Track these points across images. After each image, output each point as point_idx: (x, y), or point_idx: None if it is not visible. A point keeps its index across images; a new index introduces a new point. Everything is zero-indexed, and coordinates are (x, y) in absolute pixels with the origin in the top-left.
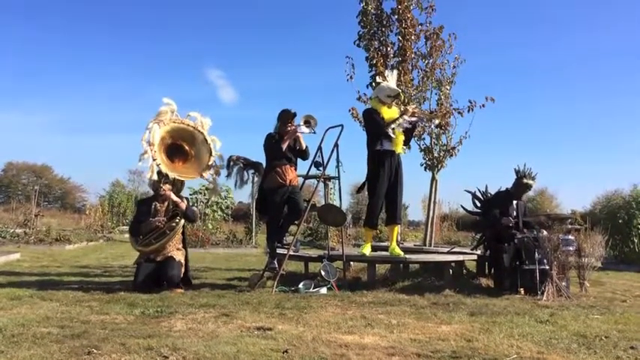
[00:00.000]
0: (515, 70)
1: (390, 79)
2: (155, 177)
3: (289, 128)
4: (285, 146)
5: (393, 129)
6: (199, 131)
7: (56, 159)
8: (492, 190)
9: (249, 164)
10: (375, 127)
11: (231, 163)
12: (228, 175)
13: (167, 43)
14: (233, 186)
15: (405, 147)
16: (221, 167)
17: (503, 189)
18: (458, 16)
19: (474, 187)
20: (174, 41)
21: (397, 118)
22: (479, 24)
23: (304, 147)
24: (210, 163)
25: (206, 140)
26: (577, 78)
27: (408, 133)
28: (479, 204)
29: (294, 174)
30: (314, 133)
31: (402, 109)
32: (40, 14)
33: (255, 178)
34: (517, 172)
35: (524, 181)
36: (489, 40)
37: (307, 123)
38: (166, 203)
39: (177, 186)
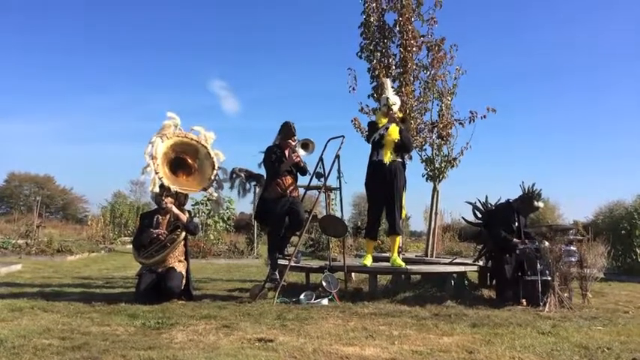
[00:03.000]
0: (516, 80)
1: (387, 89)
2: (157, 190)
3: (291, 144)
4: (284, 168)
5: (374, 137)
6: (203, 145)
7: (58, 170)
8: (492, 200)
9: (251, 176)
10: (367, 138)
11: (234, 175)
12: (232, 187)
13: (170, 54)
14: (236, 195)
15: (405, 155)
16: (224, 181)
17: (503, 200)
18: (458, 26)
19: (475, 198)
20: (177, 52)
21: (380, 127)
22: (478, 32)
23: (302, 164)
24: (213, 177)
25: (209, 154)
26: (578, 86)
27: (400, 142)
28: (480, 215)
29: (295, 184)
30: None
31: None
32: (42, 23)
33: (257, 189)
34: (525, 190)
35: (536, 204)
36: (489, 47)
37: (305, 146)
38: (168, 216)
39: (181, 199)
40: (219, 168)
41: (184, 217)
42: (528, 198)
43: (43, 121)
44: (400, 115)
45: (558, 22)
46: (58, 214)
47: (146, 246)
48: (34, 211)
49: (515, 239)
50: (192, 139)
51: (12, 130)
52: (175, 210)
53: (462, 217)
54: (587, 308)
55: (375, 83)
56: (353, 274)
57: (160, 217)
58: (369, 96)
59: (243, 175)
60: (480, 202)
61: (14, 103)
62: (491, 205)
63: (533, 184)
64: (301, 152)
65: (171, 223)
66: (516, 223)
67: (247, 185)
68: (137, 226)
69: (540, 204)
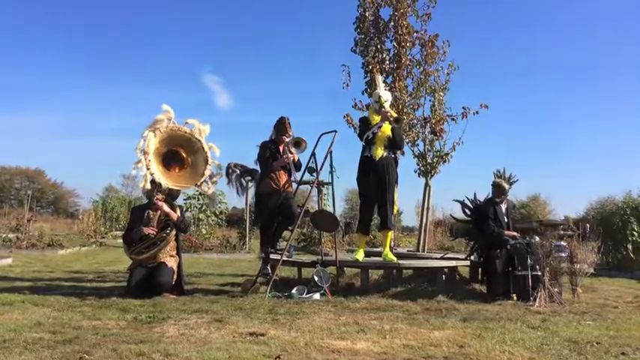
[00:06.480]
0: (508, 76)
1: (379, 85)
2: (148, 186)
3: (286, 140)
4: (277, 165)
5: (367, 136)
6: (197, 138)
7: (49, 163)
8: (481, 197)
9: (245, 171)
10: (359, 134)
11: (230, 171)
12: (229, 182)
13: (162, 48)
14: (235, 193)
15: (398, 152)
16: (220, 176)
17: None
18: (452, 22)
19: (463, 196)
20: (170, 46)
21: (373, 126)
22: (473, 29)
23: (296, 159)
24: (205, 172)
25: (203, 148)
26: (571, 83)
27: (392, 138)
28: (469, 212)
29: (289, 180)
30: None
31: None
32: (40, 22)
33: (251, 184)
34: (495, 176)
35: (496, 181)
36: (484, 45)
37: (297, 144)
38: (159, 212)
39: (173, 193)
40: (212, 162)
41: (175, 216)
42: (494, 182)
43: (35, 115)
44: (394, 114)
45: (556, 19)
46: (48, 208)
47: (136, 242)
48: (25, 205)
49: (506, 232)
50: (185, 132)
51: (3, 124)
52: (166, 208)
53: (451, 215)
54: (577, 303)
55: (368, 78)
56: (345, 268)
57: (151, 213)
58: (362, 92)
59: (238, 170)
60: (468, 199)
61: (7, 97)
62: (479, 201)
63: (503, 169)
64: (293, 151)
65: (161, 220)
66: (505, 218)
67: (243, 182)
68: (128, 220)
69: (504, 184)
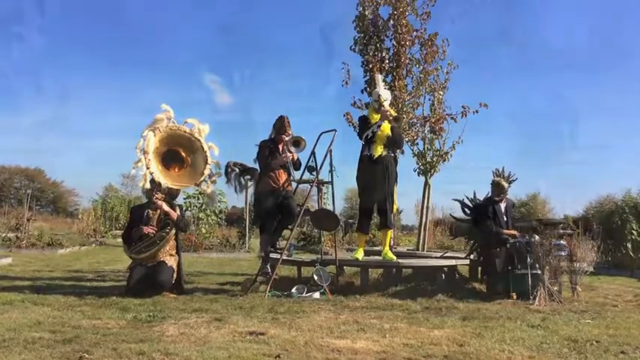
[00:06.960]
0: (509, 76)
1: (378, 84)
2: (148, 186)
3: (285, 139)
4: (276, 164)
5: (367, 135)
6: (196, 138)
7: (49, 163)
8: (480, 197)
9: (245, 170)
10: (359, 133)
11: (229, 170)
12: (228, 182)
13: (162, 48)
14: (234, 192)
15: (397, 150)
16: (218, 175)
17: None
18: (451, 21)
19: (462, 195)
20: (170, 46)
21: (373, 124)
22: (473, 28)
23: (295, 158)
24: (205, 171)
25: (202, 148)
26: (568, 81)
27: (391, 138)
28: (468, 211)
29: (289, 179)
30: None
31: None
32: (41, 22)
33: (250, 183)
34: (494, 174)
35: (495, 179)
36: (483, 41)
37: (297, 143)
38: (159, 211)
39: (172, 192)
40: (212, 162)
41: (174, 215)
42: (493, 181)
43: (34, 115)
44: (394, 113)
45: (556, 20)
46: (48, 207)
47: (136, 241)
48: (25, 205)
49: (505, 231)
50: (185, 131)
51: (3, 124)
52: (166, 207)
53: (450, 215)
54: (577, 302)
55: (368, 77)
56: (345, 267)
57: (151, 212)
58: (362, 90)
59: (237, 169)
60: (467, 198)
61: (7, 97)
62: (479, 200)
63: (502, 168)
64: (292, 149)
65: (161, 219)
66: (504, 217)
67: (242, 180)
68: (128, 219)
69: (503, 183)
